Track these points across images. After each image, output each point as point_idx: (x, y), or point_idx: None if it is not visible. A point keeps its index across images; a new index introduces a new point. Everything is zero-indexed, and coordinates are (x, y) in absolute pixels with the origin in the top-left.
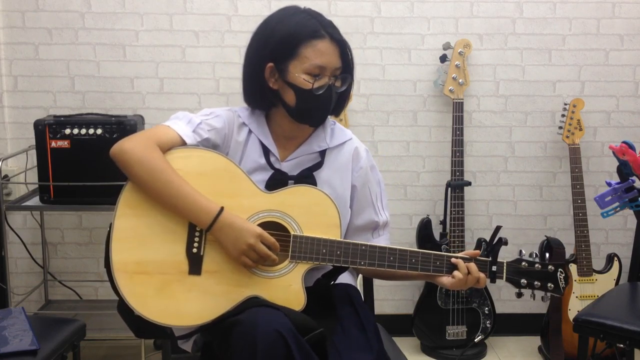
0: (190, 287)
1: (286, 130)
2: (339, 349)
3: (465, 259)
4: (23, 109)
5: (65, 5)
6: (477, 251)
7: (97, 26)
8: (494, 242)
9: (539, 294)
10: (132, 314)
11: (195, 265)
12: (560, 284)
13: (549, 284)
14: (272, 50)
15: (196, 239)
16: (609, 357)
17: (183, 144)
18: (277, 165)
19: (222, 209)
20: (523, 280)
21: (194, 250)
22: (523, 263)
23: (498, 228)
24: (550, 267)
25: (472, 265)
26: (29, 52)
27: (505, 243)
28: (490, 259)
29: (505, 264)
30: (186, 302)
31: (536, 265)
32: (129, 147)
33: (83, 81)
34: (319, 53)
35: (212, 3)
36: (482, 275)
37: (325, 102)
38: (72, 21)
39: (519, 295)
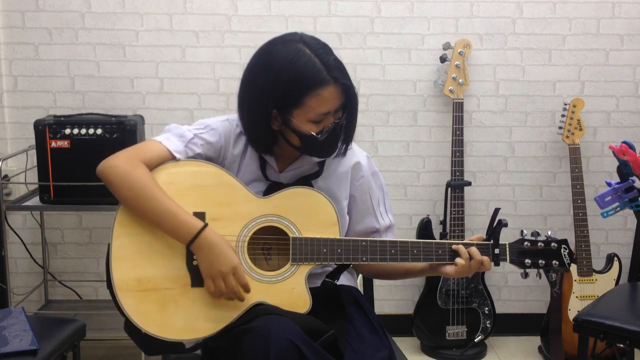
0: (194, 299)
1: (287, 152)
2: (354, 349)
3: (466, 245)
4: (23, 109)
5: (65, 5)
6: (480, 235)
7: (97, 26)
8: (494, 225)
9: (544, 272)
10: (139, 332)
11: (197, 277)
12: (565, 260)
13: (553, 262)
14: (277, 99)
15: None
16: (609, 357)
17: (174, 160)
18: (274, 177)
19: (205, 225)
20: (527, 260)
21: (195, 262)
22: (525, 243)
23: (497, 210)
24: (553, 244)
25: (474, 250)
26: (29, 52)
27: (505, 225)
28: (492, 242)
29: (507, 246)
30: (192, 315)
31: (539, 244)
32: (112, 164)
33: (83, 81)
34: (324, 102)
35: (212, 3)
36: (485, 258)
37: (331, 141)
38: (72, 21)
39: (525, 275)
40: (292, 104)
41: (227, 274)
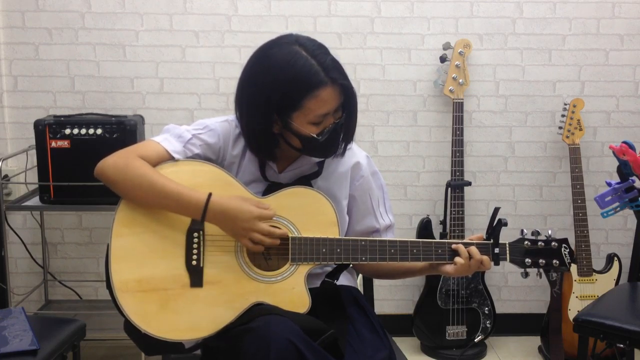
0: (193, 300)
1: (287, 152)
2: (355, 349)
3: (466, 244)
4: (23, 109)
5: (65, 5)
6: (480, 235)
7: (97, 26)
8: (494, 224)
9: (545, 272)
10: (139, 332)
11: (196, 277)
12: (566, 259)
13: (554, 261)
14: (275, 102)
15: (194, 251)
16: (609, 357)
17: (172, 160)
18: (273, 178)
19: (209, 195)
20: (527, 260)
21: (194, 262)
22: (526, 242)
23: (496, 210)
24: (553, 243)
25: (473, 249)
26: (29, 52)
27: (505, 224)
28: (491, 241)
29: (507, 245)
30: (191, 315)
31: (539, 243)
32: (109, 162)
33: (83, 81)
34: (323, 103)
35: (212, 3)
36: (485, 257)
37: (332, 142)
38: (72, 21)
39: (525, 275)
40: (291, 107)
41: (253, 224)
